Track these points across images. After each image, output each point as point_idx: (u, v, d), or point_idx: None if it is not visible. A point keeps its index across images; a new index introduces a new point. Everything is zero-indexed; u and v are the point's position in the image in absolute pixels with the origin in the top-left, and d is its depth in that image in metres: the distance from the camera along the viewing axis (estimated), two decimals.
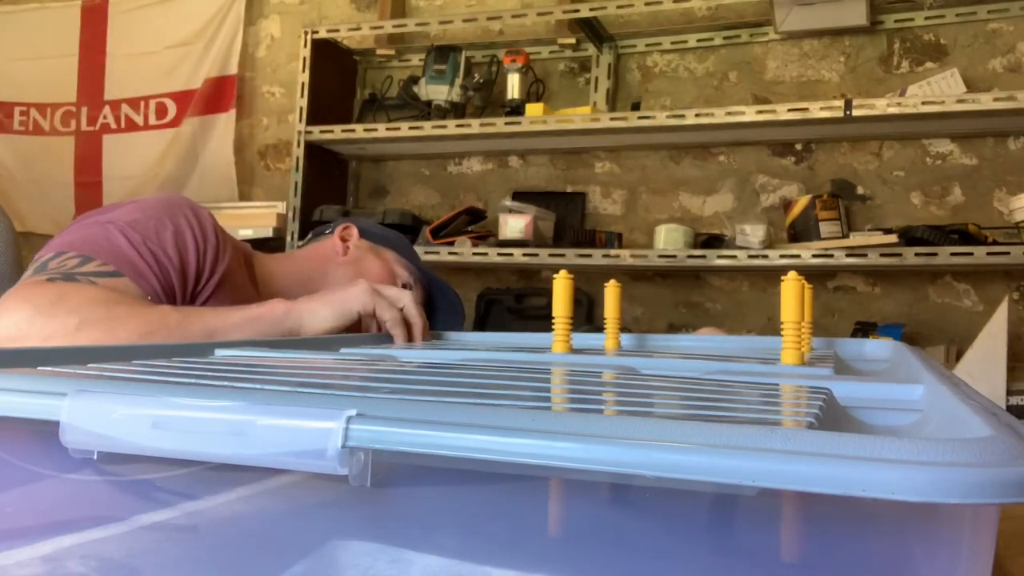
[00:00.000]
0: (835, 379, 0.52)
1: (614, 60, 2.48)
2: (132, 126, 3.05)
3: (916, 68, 2.23)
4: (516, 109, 2.36)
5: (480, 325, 2.47)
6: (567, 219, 2.43)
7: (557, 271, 0.75)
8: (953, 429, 0.35)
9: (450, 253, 2.24)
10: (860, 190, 2.25)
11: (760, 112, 2.05)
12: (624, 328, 0.84)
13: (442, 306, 1.30)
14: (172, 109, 2.98)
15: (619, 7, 2.22)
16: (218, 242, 1.03)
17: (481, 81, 2.45)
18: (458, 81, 2.42)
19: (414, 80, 2.48)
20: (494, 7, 2.64)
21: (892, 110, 1.94)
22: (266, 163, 2.92)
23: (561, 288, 0.74)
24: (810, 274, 1.97)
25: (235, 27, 2.91)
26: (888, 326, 2.11)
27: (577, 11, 2.30)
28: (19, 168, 3.17)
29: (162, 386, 0.42)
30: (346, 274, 1.19)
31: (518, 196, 2.49)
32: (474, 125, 2.30)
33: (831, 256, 1.98)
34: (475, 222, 2.41)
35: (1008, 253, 1.85)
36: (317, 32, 2.54)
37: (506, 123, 2.27)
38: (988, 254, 1.86)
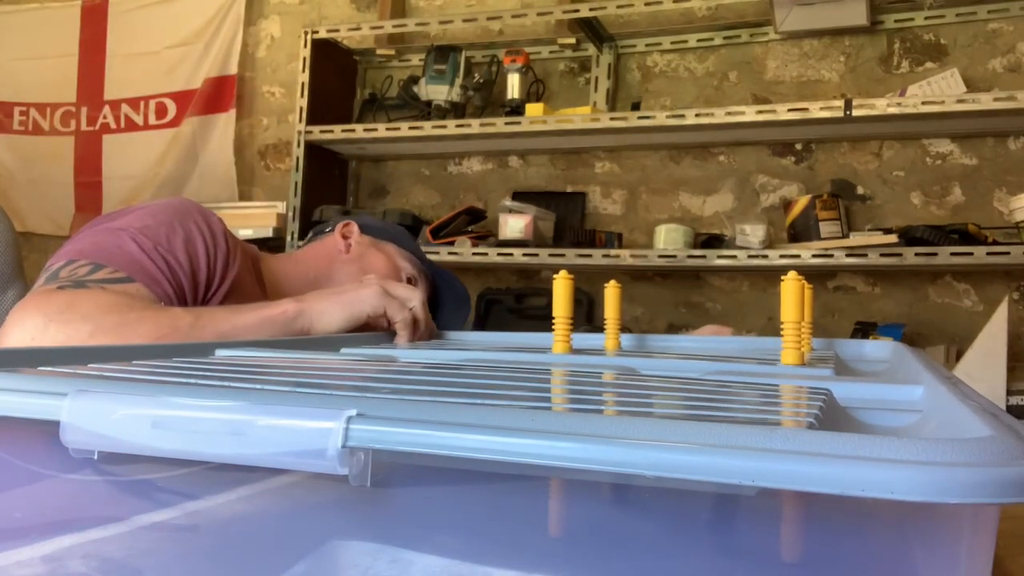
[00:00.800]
0: (835, 380, 0.52)
1: (614, 60, 2.48)
2: (132, 126, 3.05)
3: (916, 68, 2.23)
4: (516, 109, 2.36)
5: (480, 325, 2.47)
6: (567, 219, 2.43)
7: (557, 271, 0.75)
8: (953, 430, 0.35)
9: (450, 253, 2.24)
10: (860, 190, 2.25)
11: (760, 112, 2.05)
12: (624, 328, 0.84)
13: (448, 298, 1.30)
14: (172, 109, 2.98)
15: (619, 7, 2.22)
16: (228, 247, 1.03)
17: (481, 81, 2.45)
18: (458, 81, 2.42)
19: (414, 80, 2.48)
20: (494, 7, 2.64)
21: (892, 110, 1.94)
22: (266, 163, 2.92)
23: (561, 288, 0.74)
24: (810, 274, 1.97)
25: (235, 27, 2.91)
26: (888, 326, 2.11)
27: (577, 11, 2.30)
28: (19, 168, 3.17)
29: (162, 386, 0.42)
30: (351, 272, 1.19)
31: (518, 196, 2.49)
32: (474, 125, 2.30)
33: (831, 256, 1.98)
34: (475, 222, 2.42)
35: (1008, 253, 1.85)
36: (317, 32, 2.54)
37: (506, 123, 2.27)
38: (988, 254, 1.86)
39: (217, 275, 1.01)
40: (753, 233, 2.07)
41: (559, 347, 0.73)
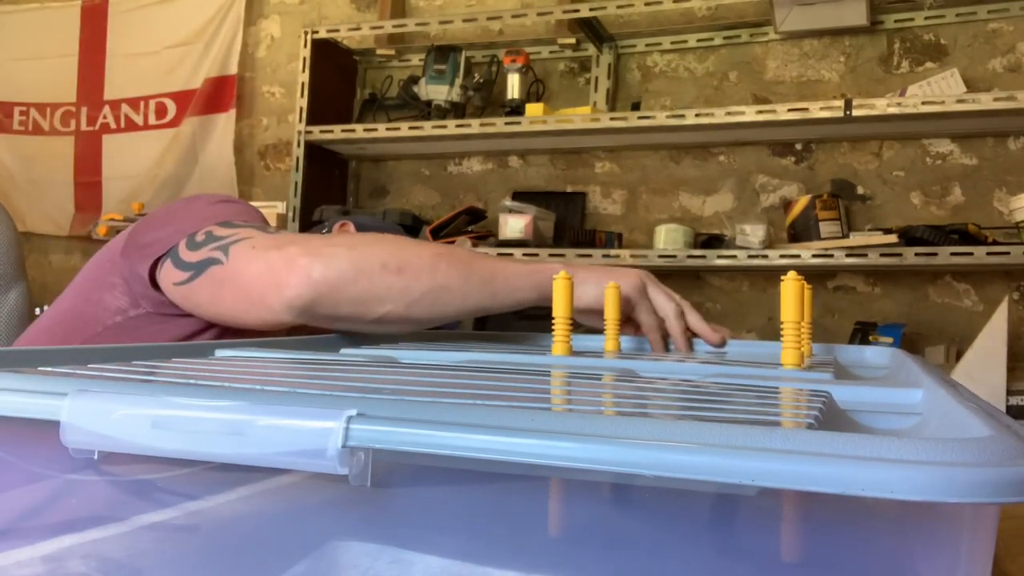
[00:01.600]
0: (834, 383, 0.52)
1: (614, 60, 2.48)
2: (132, 126, 3.05)
3: (916, 68, 2.23)
4: (516, 109, 2.36)
5: (480, 325, 2.47)
6: (567, 219, 2.43)
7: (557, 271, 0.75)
8: (953, 432, 0.35)
9: None
10: (860, 190, 2.25)
11: (760, 112, 2.05)
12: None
13: None
14: (172, 109, 2.98)
15: (619, 7, 2.22)
16: None
17: (481, 81, 2.45)
18: (458, 81, 2.42)
19: (414, 80, 2.48)
20: (494, 7, 2.64)
21: (892, 110, 1.94)
22: (266, 163, 2.92)
23: (561, 288, 0.74)
24: (810, 274, 1.97)
25: (235, 27, 2.91)
26: (888, 326, 2.11)
27: (577, 11, 2.30)
28: (19, 168, 3.17)
29: (162, 386, 0.42)
30: None
31: (518, 196, 2.49)
32: (474, 125, 2.30)
33: (831, 256, 1.98)
34: (475, 222, 2.42)
35: (1008, 253, 1.85)
36: (317, 32, 2.54)
37: (506, 123, 2.27)
38: (988, 254, 1.86)
39: None
40: (753, 233, 2.07)
41: (559, 348, 0.73)
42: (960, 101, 1.91)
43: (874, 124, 2.07)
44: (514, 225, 2.21)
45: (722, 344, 0.87)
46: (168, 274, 0.86)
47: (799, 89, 2.33)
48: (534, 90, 2.47)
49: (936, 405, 0.42)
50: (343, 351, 0.73)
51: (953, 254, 1.88)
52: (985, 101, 1.89)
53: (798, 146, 2.31)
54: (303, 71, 2.52)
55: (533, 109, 2.27)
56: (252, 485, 0.38)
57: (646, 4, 2.18)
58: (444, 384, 0.46)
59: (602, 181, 2.50)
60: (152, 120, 3.02)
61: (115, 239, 1.00)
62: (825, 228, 2.07)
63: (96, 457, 0.34)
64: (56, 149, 3.11)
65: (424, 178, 2.69)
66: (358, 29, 2.52)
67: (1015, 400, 1.78)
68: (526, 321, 2.43)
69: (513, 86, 2.39)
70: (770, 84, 2.36)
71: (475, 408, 0.31)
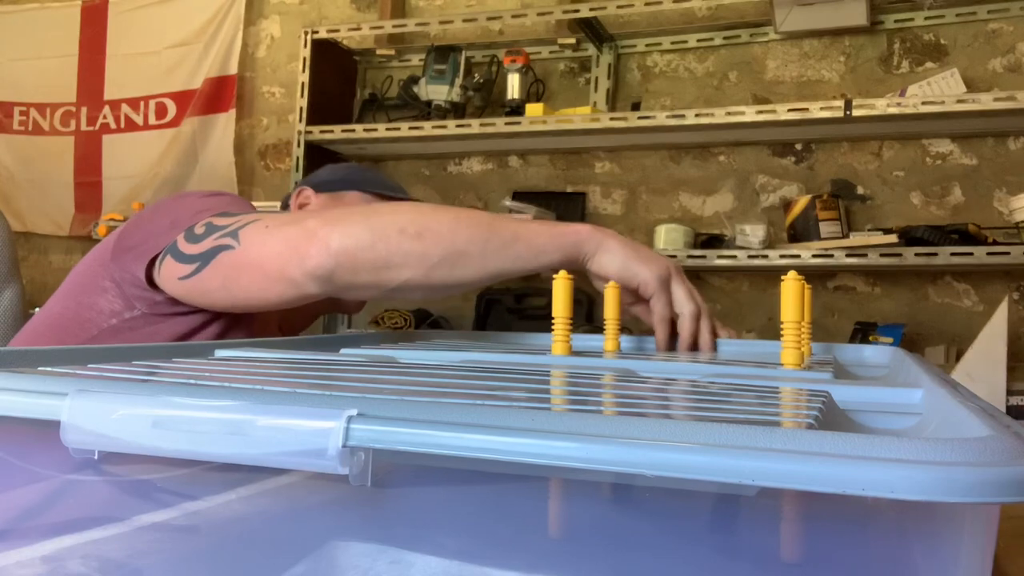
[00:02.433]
0: (834, 383, 0.52)
1: (614, 60, 2.48)
2: (132, 126, 3.05)
3: (916, 68, 2.23)
4: (516, 109, 2.36)
5: (480, 325, 2.47)
6: (567, 219, 2.43)
7: (557, 271, 0.75)
8: (953, 431, 0.35)
9: None
10: (860, 190, 2.25)
11: (760, 112, 2.05)
12: (624, 329, 0.84)
13: None
14: (172, 109, 2.98)
15: (619, 7, 2.22)
16: None
17: (481, 81, 2.45)
18: (458, 81, 2.42)
19: (414, 80, 2.48)
20: (494, 7, 2.64)
21: (892, 110, 1.94)
22: (266, 163, 2.92)
23: (561, 288, 0.74)
24: (810, 274, 1.97)
25: (235, 27, 2.91)
26: (888, 326, 2.11)
27: (577, 11, 2.30)
28: (19, 168, 3.17)
29: (162, 386, 0.42)
30: None
31: (518, 196, 2.49)
32: (474, 125, 2.30)
33: (831, 256, 1.98)
34: None
35: (1008, 253, 1.85)
36: (317, 32, 2.54)
37: (506, 123, 2.27)
38: (988, 254, 1.86)
39: None
40: (753, 233, 2.07)
41: (558, 348, 0.73)
42: (960, 101, 1.91)
43: (874, 124, 2.07)
44: None
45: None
46: (170, 270, 0.86)
47: (799, 89, 2.33)
48: (534, 90, 2.47)
49: (936, 405, 0.42)
50: (343, 351, 0.73)
51: (953, 254, 1.88)
52: (985, 101, 1.89)
53: (798, 146, 2.31)
54: (303, 71, 2.52)
55: (533, 109, 2.27)
56: (252, 485, 0.38)
57: (646, 4, 2.18)
58: (444, 384, 0.46)
59: (602, 181, 2.50)
60: (152, 120, 3.02)
61: (102, 243, 0.99)
62: (825, 228, 2.07)
63: (96, 457, 0.34)
64: (56, 149, 3.11)
65: (424, 178, 2.69)
66: (358, 29, 2.52)
67: (1015, 400, 1.78)
68: (526, 321, 2.43)
69: (513, 86, 2.39)
70: (770, 84, 2.36)
71: (475, 408, 0.31)
